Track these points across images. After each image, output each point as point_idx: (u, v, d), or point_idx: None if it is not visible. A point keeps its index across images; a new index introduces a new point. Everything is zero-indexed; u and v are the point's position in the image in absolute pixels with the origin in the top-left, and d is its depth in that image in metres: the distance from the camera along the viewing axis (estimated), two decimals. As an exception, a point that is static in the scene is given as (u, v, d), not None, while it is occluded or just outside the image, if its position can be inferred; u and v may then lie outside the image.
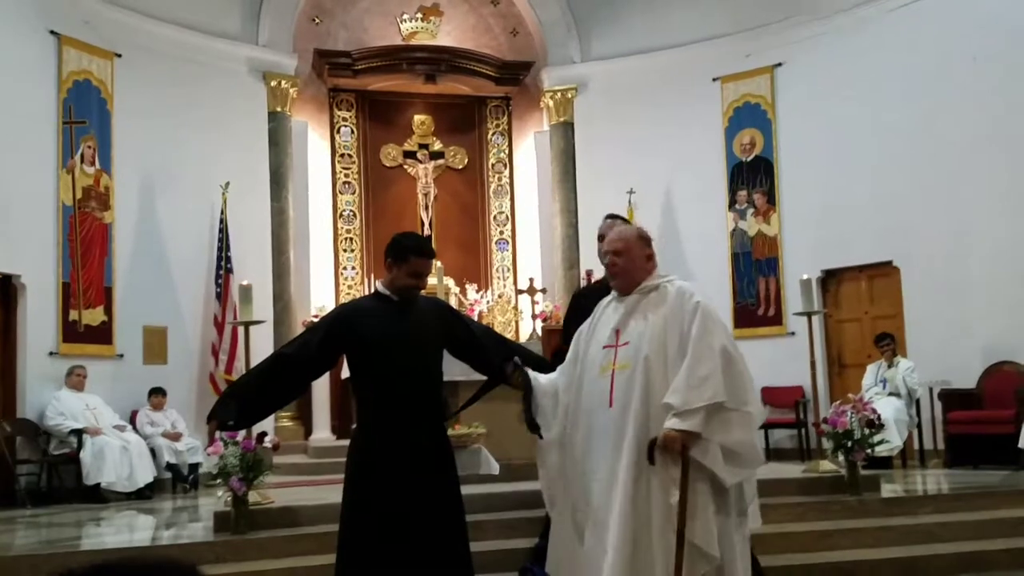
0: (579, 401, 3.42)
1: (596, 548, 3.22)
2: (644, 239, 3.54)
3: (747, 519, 3.35)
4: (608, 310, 3.52)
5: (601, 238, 4.16)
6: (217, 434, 4.86)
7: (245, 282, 6.80)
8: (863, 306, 10.04)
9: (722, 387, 3.13)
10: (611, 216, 4.45)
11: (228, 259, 9.92)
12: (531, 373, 3.58)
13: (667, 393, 3.17)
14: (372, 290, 3.86)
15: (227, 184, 9.87)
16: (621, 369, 3.29)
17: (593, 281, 4.49)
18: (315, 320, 10.54)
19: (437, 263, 10.07)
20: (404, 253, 3.55)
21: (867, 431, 6.15)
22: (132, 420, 8.98)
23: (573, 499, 3.40)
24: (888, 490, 6.54)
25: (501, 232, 12.01)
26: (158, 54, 9.82)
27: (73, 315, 8.80)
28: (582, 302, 4.28)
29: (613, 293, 3.57)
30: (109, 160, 9.32)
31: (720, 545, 3.11)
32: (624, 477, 3.18)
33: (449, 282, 10.61)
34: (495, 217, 12.03)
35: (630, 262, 3.46)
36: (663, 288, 3.39)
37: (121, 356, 9.22)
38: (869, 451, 6.31)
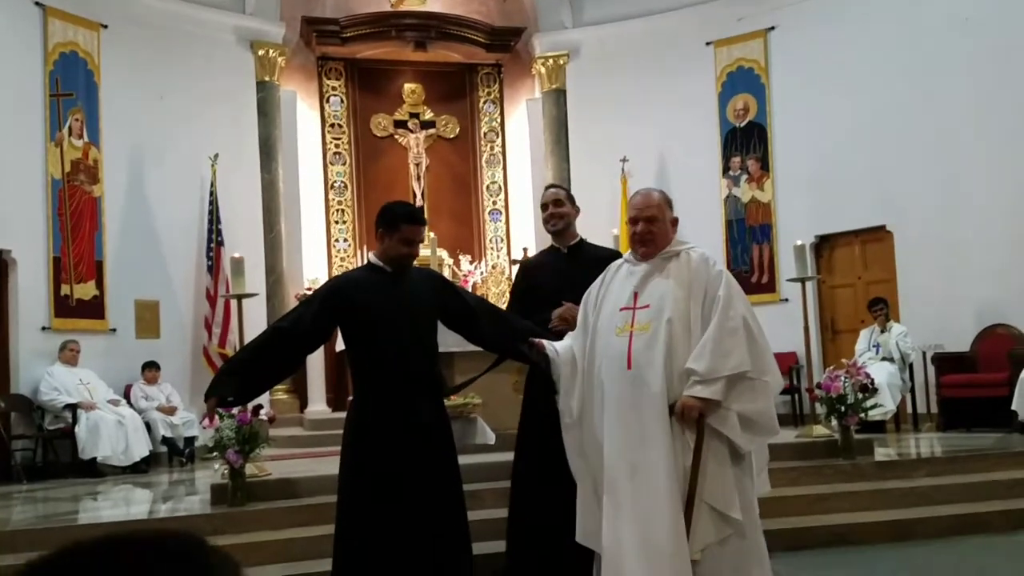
0: (593, 362, 3.39)
1: (613, 508, 3.22)
2: (669, 203, 3.52)
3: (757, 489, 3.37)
4: (621, 272, 3.48)
5: (544, 207, 4.19)
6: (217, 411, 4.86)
7: (237, 254, 6.76)
8: (856, 271, 10.04)
9: (747, 356, 3.14)
10: (553, 186, 4.47)
11: (219, 232, 9.86)
12: (548, 346, 3.56)
13: (690, 359, 3.16)
14: (365, 262, 3.83)
15: (216, 156, 9.79)
16: (640, 331, 3.26)
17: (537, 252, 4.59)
18: (308, 293, 10.53)
19: (430, 234, 10.03)
20: (395, 221, 3.52)
21: (860, 395, 6.18)
22: (126, 394, 8.96)
23: (592, 461, 3.38)
24: (882, 454, 6.58)
25: (494, 202, 11.96)
26: (144, 24, 9.69)
27: (65, 290, 8.76)
28: (529, 272, 4.26)
29: (627, 256, 3.54)
30: (97, 133, 9.22)
31: (740, 508, 3.14)
32: (647, 436, 3.17)
33: (442, 253, 10.57)
34: (488, 187, 11.96)
35: (663, 227, 3.43)
36: (685, 254, 3.38)
37: (114, 330, 9.19)
38: (863, 415, 6.36)
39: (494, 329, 3.68)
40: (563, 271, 3.93)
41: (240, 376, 3.44)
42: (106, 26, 9.34)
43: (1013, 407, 7.67)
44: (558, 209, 4.14)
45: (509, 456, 5.40)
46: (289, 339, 3.49)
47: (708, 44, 10.80)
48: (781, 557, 4.86)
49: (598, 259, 3.81)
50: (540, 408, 3.82)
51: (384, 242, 3.54)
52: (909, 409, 9.00)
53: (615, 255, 4.18)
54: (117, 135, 9.37)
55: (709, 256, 3.39)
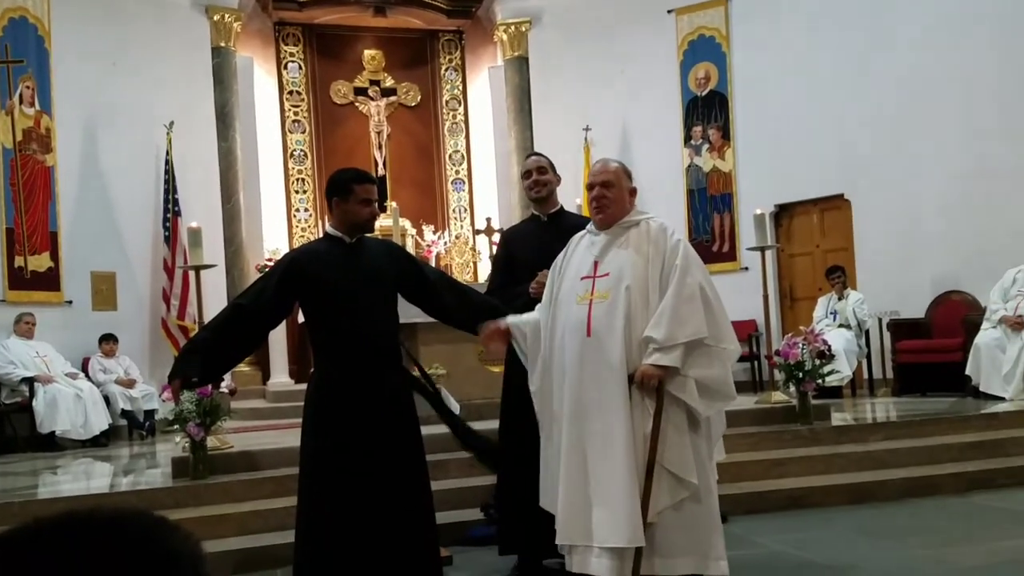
0: (554, 332, 3.43)
1: (570, 473, 3.27)
2: (628, 173, 3.56)
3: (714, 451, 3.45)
4: (583, 243, 3.52)
5: (528, 174, 4.18)
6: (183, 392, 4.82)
7: (194, 224, 6.65)
8: (815, 240, 10.17)
9: (704, 323, 3.19)
10: (534, 153, 4.44)
11: (175, 201, 9.70)
12: (514, 320, 3.57)
13: (649, 326, 3.20)
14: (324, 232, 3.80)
15: (171, 124, 9.61)
16: (600, 299, 3.31)
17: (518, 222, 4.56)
18: (269, 263, 10.43)
19: (392, 203, 9.97)
20: (347, 185, 3.50)
21: (818, 362, 6.29)
22: (84, 367, 8.84)
23: (549, 426, 3.44)
24: (838, 419, 6.71)
25: (457, 171, 11.89)
26: (95, -12, 9.44)
27: (19, 261, 8.58)
28: (511, 241, 4.26)
29: (587, 227, 3.57)
30: (49, 101, 8.99)
31: (696, 473, 3.20)
32: (606, 403, 3.22)
33: (405, 223, 10.52)
34: (451, 156, 11.89)
35: (619, 194, 3.47)
36: (644, 224, 3.42)
37: (70, 303, 9.04)
38: (820, 381, 6.47)
39: (454, 303, 3.68)
40: (544, 239, 3.93)
41: (203, 355, 3.40)
42: (55, -10, 9.08)
43: (967, 372, 7.85)
44: (542, 176, 4.14)
45: (474, 426, 5.43)
46: (251, 315, 3.45)
47: (670, 12, 10.77)
48: (740, 520, 4.97)
49: (578, 227, 3.81)
50: (515, 382, 3.84)
51: (340, 208, 3.51)
52: (865, 375, 9.18)
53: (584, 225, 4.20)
54: (69, 103, 9.14)
55: (668, 226, 3.44)
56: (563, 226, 4.00)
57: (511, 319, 3.59)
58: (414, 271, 3.69)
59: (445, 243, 11.33)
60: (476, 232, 11.37)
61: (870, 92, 9.37)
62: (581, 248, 3.51)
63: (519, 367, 3.68)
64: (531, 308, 3.70)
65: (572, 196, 10.51)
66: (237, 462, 5.49)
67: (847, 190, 9.66)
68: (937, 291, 8.96)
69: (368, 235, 3.66)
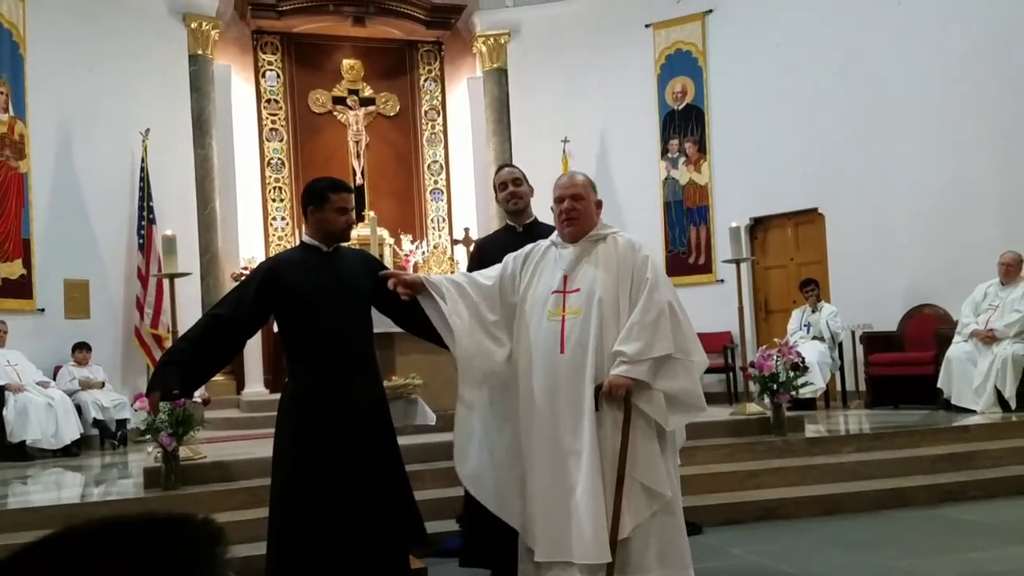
0: (519, 342, 3.41)
1: (548, 488, 3.26)
2: (594, 187, 3.58)
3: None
4: (550, 256, 3.51)
5: (503, 186, 4.15)
6: (161, 404, 4.77)
7: (169, 232, 6.61)
8: (789, 253, 10.26)
9: (671, 340, 3.23)
10: (508, 165, 4.46)
11: (151, 209, 9.63)
12: (435, 279, 3.54)
13: (618, 341, 3.23)
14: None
15: (147, 131, 9.54)
16: (572, 315, 3.32)
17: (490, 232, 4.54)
18: (245, 272, 10.37)
19: (370, 213, 9.96)
20: (322, 193, 3.50)
21: (792, 374, 6.34)
22: (56, 376, 8.73)
23: (515, 443, 3.40)
24: (812, 430, 6.76)
25: (435, 181, 11.89)
26: (71, -6, 9.37)
27: (-11, 269, 8.48)
28: (484, 251, 4.24)
29: (552, 239, 3.57)
30: (23, 107, 8.90)
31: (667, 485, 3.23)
32: (580, 419, 3.23)
33: (383, 233, 10.50)
34: (429, 166, 11.89)
35: (588, 207, 3.49)
36: (612, 239, 3.45)
37: (42, 311, 8.93)
38: (794, 393, 6.52)
39: (425, 316, 3.65)
40: (517, 249, 3.93)
41: (180, 366, 3.36)
42: (31, -5, 9.01)
43: (939, 384, 7.93)
44: (518, 188, 4.15)
45: (450, 437, 5.40)
46: (228, 325, 3.43)
47: (647, 26, 10.86)
48: (715, 531, 5.00)
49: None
50: None
51: (316, 217, 3.51)
52: (839, 387, 9.25)
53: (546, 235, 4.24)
54: (44, 109, 9.07)
55: (635, 240, 3.47)
56: (537, 236, 4.02)
57: (432, 278, 3.55)
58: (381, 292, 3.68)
59: (423, 253, 11.31)
60: (454, 242, 11.37)
61: (844, 107, 9.48)
62: (549, 261, 3.50)
63: None
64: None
65: (549, 206, 10.56)
66: (210, 472, 5.44)
67: (821, 204, 9.76)
68: (909, 304, 9.06)
69: (344, 244, 3.66)
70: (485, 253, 4.24)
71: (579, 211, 3.45)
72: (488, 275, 3.58)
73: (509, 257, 3.60)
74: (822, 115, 9.63)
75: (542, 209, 4.27)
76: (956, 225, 8.77)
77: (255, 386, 9.99)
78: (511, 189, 4.15)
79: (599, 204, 3.56)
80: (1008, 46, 8.49)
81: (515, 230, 4.21)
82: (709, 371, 9.83)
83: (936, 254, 8.87)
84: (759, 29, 10.13)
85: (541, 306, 3.40)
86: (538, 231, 4.14)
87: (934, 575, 4.03)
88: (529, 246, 3.60)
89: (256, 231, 11.11)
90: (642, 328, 3.21)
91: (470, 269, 4.33)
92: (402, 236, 11.24)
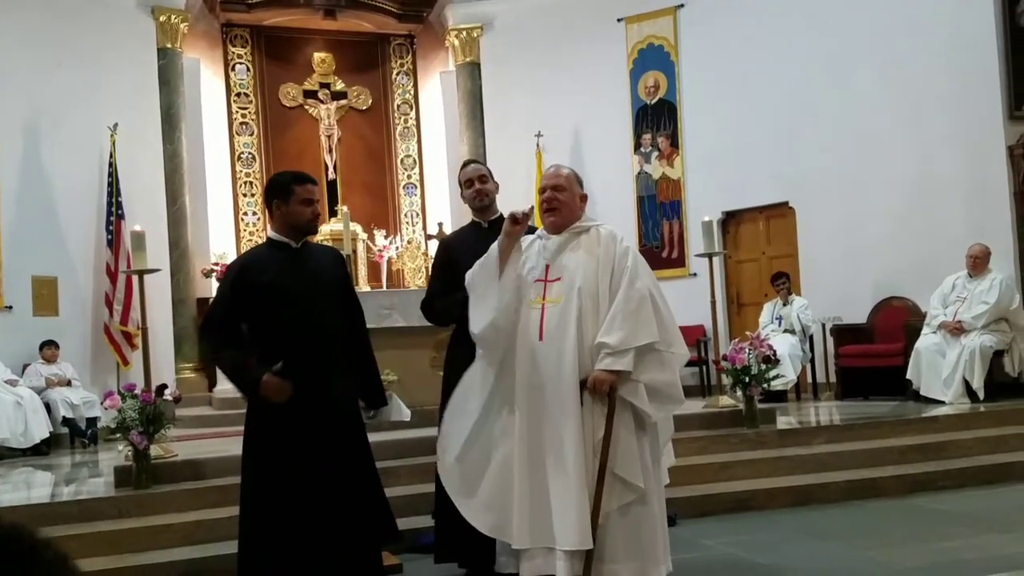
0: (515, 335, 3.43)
1: (528, 476, 3.28)
2: (579, 180, 3.63)
3: (664, 456, 3.51)
4: (535, 247, 3.55)
5: (470, 183, 4.15)
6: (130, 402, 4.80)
7: (138, 228, 6.53)
8: (760, 246, 10.33)
9: (655, 329, 3.26)
10: (473, 161, 4.45)
11: (119, 205, 9.51)
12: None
13: (600, 332, 3.25)
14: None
15: (115, 125, 9.42)
16: (552, 303, 3.36)
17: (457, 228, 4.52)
18: (215, 268, 10.28)
19: (343, 208, 9.89)
20: (286, 186, 3.49)
21: (763, 367, 6.38)
22: (23, 374, 8.60)
23: (495, 427, 3.42)
24: (783, 422, 6.83)
25: (409, 176, 11.85)
26: (36, -14, 9.22)
27: (-47, 266, 8.33)
28: (453, 248, 4.21)
29: (539, 232, 3.60)
30: (-13, 101, 8.76)
31: (643, 477, 3.25)
32: (559, 407, 3.25)
33: (356, 228, 10.44)
34: (402, 160, 11.84)
35: (570, 199, 3.53)
36: (595, 230, 3.50)
37: (9, 308, 8.80)
38: (765, 386, 6.57)
39: (354, 357, 3.60)
40: (487, 245, 3.92)
41: (247, 356, 3.39)
42: (-6, -13, 8.85)
43: (908, 376, 8.03)
44: (484, 185, 4.15)
45: (425, 432, 5.42)
46: (234, 327, 3.43)
47: (620, 20, 10.88)
48: (688, 523, 5.03)
49: None
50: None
51: (282, 211, 3.48)
52: (809, 379, 9.35)
53: (532, 229, 4.22)
54: (10, 105, 8.92)
55: (617, 233, 3.51)
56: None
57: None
58: (349, 294, 3.65)
59: (397, 248, 11.27)
60: (428, 237, 11.32)
61: (815, 101, 9.55)
62: (533, 252, 3.54)
63: (458, 373, 3.68)
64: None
65: (524, 201, 10.52)
66: (181, 471, 5.39)
67: (792, 198, 9.83)
68: (879, 297, 9.16)
69: (312, 240, 3.65)
70: (453, 249, 4.22)
71: (560, 201, 3.50)
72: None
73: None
74: (792, 109, 9.70)
75: (515, 202, 4.26)
76: (924, 219, 8.87)
77: (227, 383, 9.87)
78: (477, 187, 4.14)
79: (584, 198, 3.60)
80: (976, 43, 8.59)
81: (481, 226, 4.20)
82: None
83: (904, 247, 8.97)
84: (730, 23, 10.17)
85: (525, 295, 3.44)
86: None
87: (906, 564, 4.08)
88: (523, 238, 3.61)
89: (227, 226, 11.00)
90: (624, 317, 3.24)
91: (436, 266, 4.30)
92: (375, 231, 11.18)
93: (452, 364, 3.98)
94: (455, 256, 4.08)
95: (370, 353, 3.72)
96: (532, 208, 3.63)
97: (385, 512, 3.51)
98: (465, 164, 4.38)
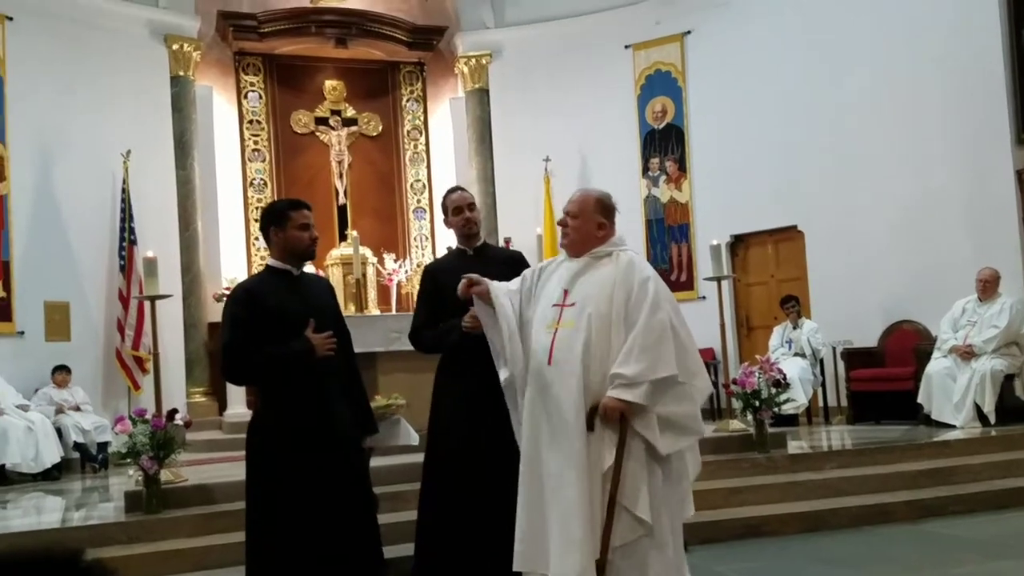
0: (528, 358, 3.43)
1: (530, 500, 3.28)
2: (603, 207, 3.51)
3: (683, 501, 3.38)
4: (560, 269, 3.51)
5: (459, 211, 4.12)
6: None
7: (150, 254, 6.59)
8: (769, 269, 10.34)
9: (673, 361, 3.17)
10: (459, 188, 4.37)
11: (132, 230, 9.59)
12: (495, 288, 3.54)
13: (617, 362, 3.17)
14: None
15: (128, 152, 9.52)
16: (564, 327, 3.32)
17: (452, 248, 4.50)
18: (227, 292, 10.32)
19: (353, 232, 9.95)
20: (283, 213, 3.54)
21: (774, 390, 6.37)
22: (33, 398, 8.64)
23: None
24: (794, 446, 6.80)
25: (418, 200, 11.91)
26: (52, 16, 9.36)
27: (-33, 291, 8.41)
28: (438, 275, 4.18)
29: (562, 254, 3.58)
30: (3, 129, 8.87)
31: (652, 511, 3.13)
32: (563, 433, 3.22)
33: (366, 252, 10.49)
34: (412, 185, 11.91)
35: (583, 225, 3.46)
36: (615, 255, 3.42)
37: (22, 333, 8.86)
38: (776, 409, 6.56)
39: (346, 383, 3.62)
40: (472, 271, 3.93)
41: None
42: (11, 18, 8.99)
43: (919, 400, 7.99)
44: (472, 214, 4.15)
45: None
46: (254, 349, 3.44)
47: (627, 47, 10.97)
48: (698, 549, 4.99)
49: (502, 259, 4.00)
50: (441, 421, 3.91)
51: (279, 238, 3.52)
52: (820, 403, 9.31)
53: (516, 255, 4.33)
54: (24, 131, 9.03)
55: (638, 259, 3.44)
56: (488, 257, 4.09)
57: (493, 286, 3.54)
58: (340, 324, 3.65)
59: (406, 272, 11.31)
60: (437, 261, 11.35)
61: (821, 125, 9.59)
62: (557, 275, 3.50)
63: (443, 400, 3.71)
64: (461, 343, 3.75)
65: (532, 226, 10.61)
66: (192, 496, 5.40)
67: (800, 221, 9.84)
68: (889, 321, 9.14)
69: (307, 271, 3.71)
70: (438, 276, 4.20)
71: (570, 226, 3.47)
72: (510, 288, 3.58)
73: (527, 272, 3.63)
74: (799, 133, 9.74)
75: (523, 227, 4.29)
76: (930, 241, 8.87)
77: (237, 407, 9.91)
78: (467, 215, 4.13)
79: (602, 225, 3.47)
80: (984, 68, 8.63)
81: (467, 253, 4.20)
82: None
83: (911, 270, 8.96)
84: (737, 50, 10.24)
85: (541, 319, 3.42)
86: (489, 252, 4.21)
87: (916, 590, 4.05)
88: (546, 260, 3.63)
89: (238, 252, 11.07)
90: (643, 350, 3.15)
91: (422, 293, 4.28)
92: (385, 255, 11.23)
93: (439, 391, 4.02)
94: (441, 283, 4.06)
95: (360, 382, 3.75)
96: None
97: (375, 540, 3.53)
98: (451, 191, 4.30)
